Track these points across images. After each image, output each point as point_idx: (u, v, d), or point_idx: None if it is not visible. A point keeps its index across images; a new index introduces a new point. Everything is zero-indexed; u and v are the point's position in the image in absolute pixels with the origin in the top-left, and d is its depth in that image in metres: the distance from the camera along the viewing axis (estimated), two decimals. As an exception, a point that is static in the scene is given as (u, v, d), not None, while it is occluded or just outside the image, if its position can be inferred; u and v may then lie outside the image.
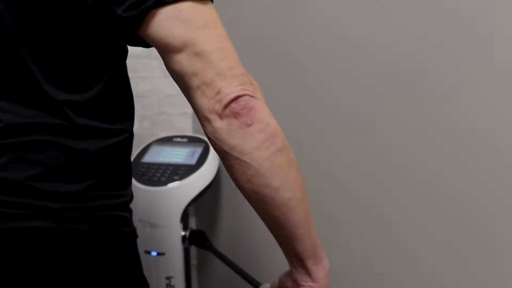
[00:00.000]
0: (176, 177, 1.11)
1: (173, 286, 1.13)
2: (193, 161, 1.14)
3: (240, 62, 0.55)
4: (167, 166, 1.15)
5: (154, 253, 1.11)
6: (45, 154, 0.56)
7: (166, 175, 1.12)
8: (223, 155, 0.55)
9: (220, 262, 1.19)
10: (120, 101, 0.63)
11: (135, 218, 1.11)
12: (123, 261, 0.62)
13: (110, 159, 0.60)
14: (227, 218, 1.31)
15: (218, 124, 0.53)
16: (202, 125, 0.55)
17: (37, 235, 0.55)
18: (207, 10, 0.54)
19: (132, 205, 1.06)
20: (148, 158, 1.20)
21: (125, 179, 0.64)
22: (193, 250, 1.56)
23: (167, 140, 1.25)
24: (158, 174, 1.12)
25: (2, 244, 0.54)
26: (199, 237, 1.12)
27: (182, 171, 1.12)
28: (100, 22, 0.55)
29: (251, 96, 0.53)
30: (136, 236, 0.66)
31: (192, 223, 1.31)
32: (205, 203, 1.45)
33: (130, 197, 0.65)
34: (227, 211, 1.33)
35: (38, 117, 0.55)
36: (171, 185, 1.10)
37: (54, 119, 0.56)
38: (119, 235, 0.61)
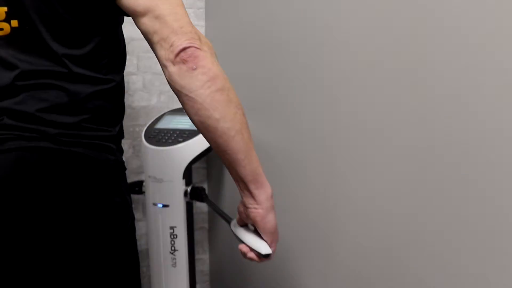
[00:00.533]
0: (180, 139, 1.29)
1: (176, 235, 1.32)
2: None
3: (191, 22, 0.72)
4: (174, 131, 1.33)
5: (160, 205, 1.30)
6: (50, 93, 0.75)
7: (172, 138, 1.30)
8: (177, 93, 0.72)
9: (226, 227, 1.36)
10: (110, 58, 0.82)
11: (146, 174, 1.30)
12: (106, 181, 0.80)
13: (99, 101, 0.79)
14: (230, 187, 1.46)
15: (172, 69, 0.70)
16: (163, 71, 0.73)
17: (42, 152, 0.74)
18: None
19: (142, 163, 1.27)
20: (160, 125, 1.39)
21: (113, 119, 0.83)
22: (205, 215, 1.75)
23: (178, 111, 1.43)
24: (166, 137, 1.31)
25: (17, 157, 0.74)
26: (199, 192, 1.30)
27: (186, 135, 1.30)
28: None
29: (196, 48, 0.69)
30: (122, 165, 0.85)
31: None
32: (213, 174, 1.64)
33: (117, 134, 0.84)
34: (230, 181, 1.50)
35: (45, 66, 0.75)
36: (175, 145, 1.28)
37: (57, 67, 0.75)
38: (104, 161, 0.79)
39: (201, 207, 1.71)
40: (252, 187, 0.76)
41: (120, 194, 0.83)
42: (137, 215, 1.45)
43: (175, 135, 1.32)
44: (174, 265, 1.34)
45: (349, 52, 0.81)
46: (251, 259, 0.81)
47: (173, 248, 1.32)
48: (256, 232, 0.82)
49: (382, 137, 0.74)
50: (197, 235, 1.70)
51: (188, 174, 1.31)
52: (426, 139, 0.64)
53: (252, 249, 0.81)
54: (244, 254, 0.82)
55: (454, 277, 0.60)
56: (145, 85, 1.59)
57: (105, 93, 0.80)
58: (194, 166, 1.37)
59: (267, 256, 0.79)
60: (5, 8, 0.74)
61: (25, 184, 0.73)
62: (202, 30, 1.63)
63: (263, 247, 0.79)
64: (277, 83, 1.09)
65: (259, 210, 0.77)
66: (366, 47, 0.76)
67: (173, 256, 1.33)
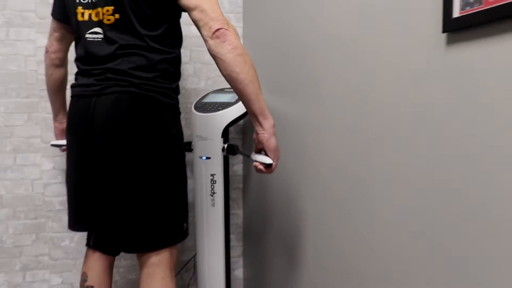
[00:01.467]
0: (220, 108, 1.74)
1: (215, 181, 1.76)
2: (232, 100, 1.76)
3: (222, 14, 1.17)
4: (216, 103, 1.79)
5: (204, 158, 1.75)
6: (136, 58, 1.22)
7: (214, 108, 1.75)
8: (213, 57, 1.16)
9: (259, 185, 1.79)
10: (172, 38, 1.28)
11: (195, 133, 1.76)
12: (167, 116, 1.26)
13: (165, 65, 1.26)
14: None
15: (210, 42, 1.15)
16: (205, 44, 1.17)
17: (130, 94, 1.21)
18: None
19: (191, 125, 1.73)
20: (205, 99, 1.85)
21: (173, 77, 1.29)
22: (240, 177, 2.18)
23: (220, 90, 1.89)
24: (210, 107, 1.77)
25: (116, 97, 1.21)
26: (233, 148, 1.73)
27: (225, 105, 1.75)
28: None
29: (225, 29, 1.14)
30: (177, 108, 1.31)
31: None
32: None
33: (175, 88, 1.30)
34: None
35: (133, 41, 1.22)
36: (216, 112, 1.73)
37: (140, 42, 1.22)
38: (167, 103, 1.26)
39: (237, 170, 2.15)
40: (260, 118, 1.19)
41: (176, 127, 1.29)
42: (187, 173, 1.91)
43: (216, 106, 1.77)
44: (213, 204, 1.78)
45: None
46: (260, 170, 1.24)
47: (212, 191, 1.76)
48: (265, 154, 1.24)
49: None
50: (233, 194, 2.15)
51: (225, 134, 1.75)
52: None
53: (261, 163, 1.23)
54: (255, 167, 1.25)
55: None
56: (195, 72, 2.06)
57: (169, 60, 1.27)
58: (232, 129, 1.81)
59: (270, 165, 1.22)
60: (112, 7, 1.22)
61: (120, 113, 1.21)
62: (240, 30, 2.09)
63: (267, 160, 1.21)
64: (300, 70, 1.52)
65: (265, 134, 1.20)
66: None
67: (212, 198, 1.77)
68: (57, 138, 1.72)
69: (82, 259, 1.90)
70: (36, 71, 1.90)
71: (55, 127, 1.70)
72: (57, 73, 1.56)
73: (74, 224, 1.40)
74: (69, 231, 1.92)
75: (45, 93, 1.81)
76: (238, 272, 2.23)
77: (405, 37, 0.90)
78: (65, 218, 1.96)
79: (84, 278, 1.46)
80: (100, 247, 1.45)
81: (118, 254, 1.49)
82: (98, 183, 1.27)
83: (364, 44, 1.07)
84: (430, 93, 0.83)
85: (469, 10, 0.71)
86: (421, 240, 0.88)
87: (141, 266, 1.36)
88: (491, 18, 0.67)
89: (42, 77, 1.88)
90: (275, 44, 1.70)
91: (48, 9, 1.67)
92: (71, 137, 1.31)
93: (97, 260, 1.46)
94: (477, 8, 0.69)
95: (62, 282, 2.04)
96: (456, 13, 0.73)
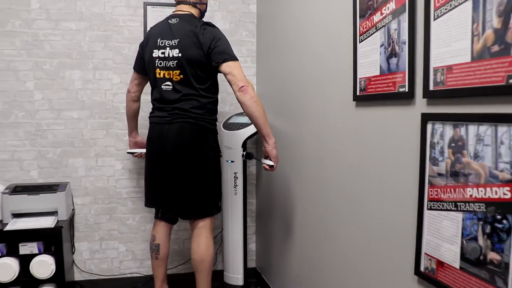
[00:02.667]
0: (240, 128, 2.58)
1: (237, 177, 2.60)
2: (249, 122, 2.60)
3: (244, 76, 2.01)
4: (237, 123, 2.63)
5: (229, 161, 2.59)
6: (192, 102, 2.08)
7: (236, 127, 2.60)
8: (240, 103, 2.02)
9: (267, 181, 2.64)
10: (214, 88, 2.15)
11: (223, 145, 2.62)
12: (211, 136, 2.12)
13: (210, 105, 2.12)
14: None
15: (238, 94, 2.00)
16: (235, 95, 2.02)
17: (189, 124, 2.07)
18: (236, 63, 2.01)
19: (221, 139, 2.60)
20: (230, 120, 2.70)
21: (214, 113, 2.15)
22: (253, 176, 3.02)
23: (240, 114, 2.74)
24: (233, 126, 2.61)
25: (179, 126, 2.06)
26: (250, 154, 2.57)
27: (243, 126, 2.59)
28: (209, 65, 2.05)
29: (246, 86, 1.99)
30: (216, 132, 2.16)
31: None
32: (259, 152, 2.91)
33: (215, 119, 2.16)
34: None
35: (191, 91, 2.09)
36: (238, 130, 2.57)
37: (195, 92, 2.08)
38: (211, 128, 2.12)
39: (252, 170, 2.99)
40: (266, 138, 2.04)
41: (215, 142, 2.15)
42: (216, 170, 2.74)
43: (238, 125, 2.61)
44: (236, 194, 2.61)
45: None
46: (266, 169, 2.08)
47: (235, 184, 2.60)
48: (269, 159, 2.08)
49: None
50: (249, 187, 2.98)
51: (244, 145, 2.59)
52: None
53: (267, 165, 2.07)
54: (264, 167, 2.08)
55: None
56: (222, 100, 2.90)
57: (212, 102, 2.12)
58: (249, 141, 2.65)
59: (272, 166, 2.06)
60: (179, 71, 2.07)
61: (183, 134, 2.06)
62: (254, 69, 2.94)
63: (270, 163, 2.06)
64: (298, 98, 2.35)
65: (269, 147, 2.04)
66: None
67: (235, 189, 2.61)
68: (131, 148, 2.58)
69: (141, 234, 2.81)
70: (112, 100, 2.77)
71: (130, 140, 2.56)
72: (135, 105, 2.42)
73: (149, 203, 2.26)
74: (133, 213, 2.81)
75: (117, 116, 2.70)
76: (252, 246, 3.07)
77: (337, 99, 1.72)
78: (130, 203, 2.84)
79: (153, 238, 2.32)
80: (164, 218, 2.31)
81: (175, 223, 2.34)
82: (168, 177, 2.12)
83: (320, 90, 1.89)
84: (344, 128, 1.65)
85: (362, 93, 1.53)
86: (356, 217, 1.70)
87: (192, 228, 2.21)
88: (371, 98, 1.49)
89: (117, 104, 2.76)
90: (277, 80, 2.54)
91: (121, 58, 2.57)
92: (150, 148, 2.17)
93: (162, 227, 2.31)
94: (365, 92, 1.51)
95: (126, 250, 2.90)
96: (357, 93, 1.56)
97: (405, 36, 1.27)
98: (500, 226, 0.95)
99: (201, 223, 2.18)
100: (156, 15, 2.77)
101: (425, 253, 1.21)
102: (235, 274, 2.73)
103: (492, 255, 0.97)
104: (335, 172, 1.79)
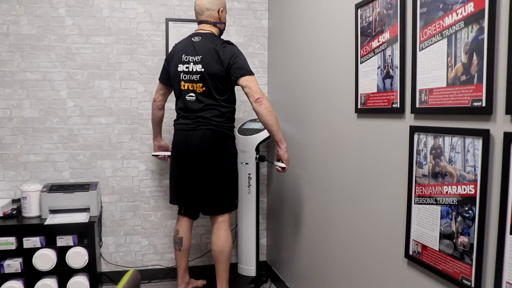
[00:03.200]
0: (254, 133, 2.87)
1: (251, 178, 2.88)
2: (261, 127, 2.89)
3: (260, 88, 2.30)
4: (251, 129, 2.92)
5: (244, 163, 2.87)
6: (213, 111, 2.38)
7: (250, 132, 2.89)
8: (255, 111, 2.31)
9: (277, 182, 2.93)
10: (232, 100, 2.44)
11: (238, 148, 2.92)
12: (229, 141, 2.41)
13: (229, 114, 2.42)
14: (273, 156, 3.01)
15: (254, 105, 2.30)
16: (251, 105, 2.31)
17: (211, 130, 2.36)
18: (252, 77, 2.31)
19: (237, 142, 2.89)
20: (244, 126, 2.99)
21: (232, 121, 2.44)
22: (265, 177, 3.30)
23: (253, 120, 3.02)
24: (247, 132, 2.90)
25: (202, 133, 2.35)
26: (262, 157, 2.85)
27: (257, 131, 2.88)
28: (228, 79, 2.35)
29: (261, 98, 2.28)
30: (234, 136, 2.46)
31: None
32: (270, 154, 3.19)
33: (233, 126, 2.45)
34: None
35: (212, 102, 2.38)
36: (251, 135, 2.86)
37: (216, 102, 2.38)
38: (230, 134, 2.42)
39: (264, 172, 3.28)
40: (279, 143, 2.33)
41: (233, 146, 2.44)
42: (231, 172, 3.03)
43: (251, 131, 2.90)
44: (249, 192, 2.90)
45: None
46: (279, 171, 2.37)
47: (249, 184, 2.89)
48: (281, 161, 2.37)
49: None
50: (261, 187, 3.26)
51: (257, 148, 2.88)
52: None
53: (279, 167, 2.36)
54: (276, 169, 2.37)
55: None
56: (237, 107, 3.18)
57: (230, 111, 2.41)
58: (261, 145, 2.94)
59: (284, 168, 2.34)
60: (201, 84, 2.36)
61: (206, 139, 2.36)
62: (266, 79, 3.22)
63: (282, 165, 2.35)
64: (306, 107, 2.63)
65: (281, 151, 2.34)
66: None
67: (248, 189, 2.90)
68: (155, 151, 2.87)
69: (162, 229, 3.10)
70: (137, 107, 3.06)
71: (154, 144, 2.85)
72: (160, 113, 2.72)
73: (174, 200, 2.55)
74: (155, 210, 3.09)
75: (141, 122, 3.00)
76: (263, 241, 3.36)
77: (341, 110, 2.00)
78: (152, 201, 3.13)
79: (177, 232, 2.61)
80: (187, 214, 2.60)
81: (196, 218, 2.63)
82: (191, 177, 2.41)
83: (326, 101, 2.17)
84: (347, 136, 1.93)
85: (362, 106, 1.81)
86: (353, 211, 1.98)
87: (212, 223, 2.50)
88: (370, 111, 1.77)
89: (141, 111, 3.05)
90: (287, 89, 2.82)
91: (145, 69, 2.87)
92: (176, 151, 2.46)
93: (185, 222, 2.60)
94: (365, 106, 1.79)
95: (148, 244, 3.19)
96: (358, 106, 1.84)
97: (397, 62, 1.56)
98: (467, 215, 1.23)
99: (221, 218, 2.47)
100: (177, 30, 3.07)
101: (413, 240, 1.49)
102: (248, 266, 3.01)
103: (462, 238, 1.25)
104: (339, 173, 2.07)
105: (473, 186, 1.21)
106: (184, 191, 2.47)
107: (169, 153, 2.78)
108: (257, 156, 2.88)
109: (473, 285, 1.21)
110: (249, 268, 3.02)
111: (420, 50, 1.43)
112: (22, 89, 2.92)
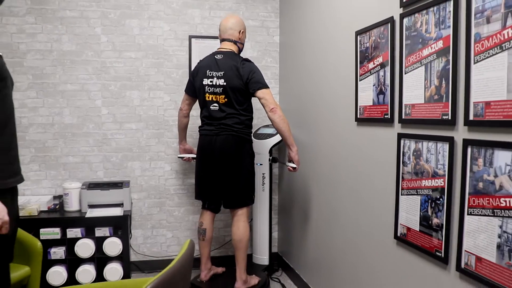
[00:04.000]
0: (267, 137, 3.27)
1: (265, 177, 3.28)
2: (274, 132, 3.29)
3: (274, 99, 2.71)
4: (264, 133, 3.32)
5: (259, 164, 3.27)
6: (234, 119, 2.79)
7: (264, 137, 3.29)
8: (270, 119, 2.72)
9: (288, 181, 3.33)
10: (250, 109, 2.85)
11: (255, 151, 3.32)
12: (248, 145, 2.82)
13: (247, 121, 2.83)
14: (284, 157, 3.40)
15: (269, 113, 2.71)
16: (267, 114, 2.71)
17: (232, 136, 2.77)
18: (268, 90, 2.73)
19: (254, 145, 3.27)
20: (259, 131, 3.40)
21: (250, 127, 2.85)
22: (277, 176, 3.71)
23: (266, 126, 3.43)
24: (262, 136, 3.30)
25: (225, 138, 2.76)
26: (275, 158, 3.25)
27: (270, 136, 3.28)
28: (247, 92, 2.75)
29: (276, 108, 2.69)
30: (251, 140, 2.86)
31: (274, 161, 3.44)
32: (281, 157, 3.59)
33: (250, 131, 2.85)
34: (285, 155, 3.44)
35: (233, 111, 2.79)
36: (265, 140, 3.26)
37: (236, 112, 2.79)
38: (248, 139, 2.83)
39: (276, 172, 3.67)
40: (290, 146, 2.74)
41: (251, 149, 2.85)
42: (247, 172, 3.44)
43: (265, 135, 3.30)
44: (263, 190, 3.30)
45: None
46: (290, 170, 2.77)
47: (263, 183, 3.28)
48: (292, 162, 2.77)
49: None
50: (273, 185, 3.66)
51: (270, 151, 3.28)
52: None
53: (291, 167, 2.76)
54: (288, 169, 2.78)
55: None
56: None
57: (249, 119, 2.82)
58: (274, 148, 3.34)
59: (294, 168, 2.75)
60: (224, 95, 2.77)
61: (228, 143, 2.77)
62: (277, 89, 3.62)
63: (293, 165, 2.75)
64: (314, 115, 3.03)
65: (293, 153, 2.75)
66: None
67: (262, 187, 3.29)
68: (181, 153, 3.27)
69: (185, 223, 3.51)
70: (163, 115, 3.48)
71: (180, 147, 3.26)
72: (185, 120, 3.12)
73: (199, 196, 2.96)
74: (178, 206, 3.50)
75: (167, 127, 3.41)
76: (275, 234, 3.76)
77: (344, 119, 2.39)
78: (176, 198, 3.53)
79: (201, 224, 3.01)
80: (210, 208, 3.00)
81: (218, 212, 3.03)
82: (214, 176, 2.81)
83: (331, 110, 2.56)
84: (349, 141, 2.32)
85: (361, 116, 2.21)
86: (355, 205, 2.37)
87: (233, 216, 2.90)
88: (367, 120, 2.16)
89: (167, 118, 3.46)
90: (296, 99, 3.22)
91: (170, 80, 3.29)
92: (201, 153, 2.86)
93: (208, 215, 3.00)
94: (363, 116, 2.19)
95: (172, 236, 3.59)
96: (357, 116, 2.24)
97: (388, 81, 1.95)
98: (438, 202, 1.62)
99: (240, 211, 2.86)
100: (198, 46, 3.48)
101: (400, 224, 1.88)
102: (262, 255, 3.41)
103: (435, 220, 1.64)
104: (341, 173, 2.46)
105: (442, 179, 1.60)
106: (208, 188, 2.87)
107: (193, 155, 3.18)
108: (270, 158, 3.28)
109: (442, 255, 1.60)
110: (262, 258, 3.41)
111: (405, 74, 1.82)
112: (63, 98, 3.34)
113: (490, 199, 1.37)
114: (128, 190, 3.21)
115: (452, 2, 1.53)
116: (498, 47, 1.33)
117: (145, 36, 3.44)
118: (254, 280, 3.02)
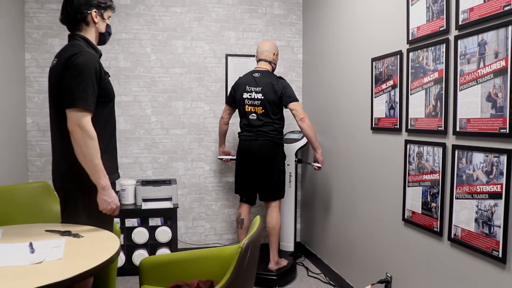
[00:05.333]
0: (293, 141, 3.89)
1: (291, 176, 3.90)
2: (299, 137, 3.91)
3: (303, 111, 3.34)
4: (291, 138, 3.95)
5: (286, 164, 3.89)
6: (270, 126, 3.42)
7: (290, 141, 3.91)
8: (300, 127, 3.34)
9: (310, 179, 3.96)
10: (282, 118, 3.48)
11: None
12: (280, 148, 3.46)
13: (280, 129, 3.46)
14: (311, 158, 4.02)
15: (299, 122, 3.35)
16: (297, 123, 3.34)
17: (268, 140, 3.40)
18: (298, 103, 3.36)
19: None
20: (286, 136, 4.02)
21: (282, 134, 3.49)
22: (300, 176, 4.33)
23: (292, 131, 4.06)
24: (288, 141, 3.92)
25: (261, 142, 3.38)
26: (300, 159, 3.87)
27: (295, 140, 3.90)
28: (280, 104, 3.38)
29: (304, 117, 3.32)
30: (283, 145, 3.49)
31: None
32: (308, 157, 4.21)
33: (283, 137, 3.48)
34: (311, 157, 4.05)
35: (269, 121, 3.42)
36: (292, 144, 3.88)
37: (271, 121, 3.43)
38: (280, 143, 3.46)
39: (299, 171, 4.29)
40: (316, 149, 3.38)
41: (283, 152, 3.49)
42: (275, 171, 4.05)
43: (292, 140, 3.92)
44: (290, 187, 3.91)
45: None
46: (315, 169, 3.39)
47: (289, 180, 3.90)
48: (317, 162, 3.39)
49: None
50: (297, 183, 4.28)
51: (296, 153, 3.89)
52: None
53: (317, 166, 3.38)
54: (314, 168, 3.40)
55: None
56: (278, 121, 4.21)
57: (281, 127, 3.47)
58: (299, 151, 3.96)
59: (319, 167, 3.37)
60: (261, 107, 3.40)
61: (264, 147, 3.40)
62: (300, 100, 4.25)
63: (318, 165, 3.37)
64: (335, 123, 3.65)
65: (318, 155, 3.39)
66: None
67: (289, 184, 3.91)
68: (220, 155, 3.89)
69: (221, 216, 4.16)
70: (203, 122, 4.11)
71: (219, 150, 3.88)
72: (225, 127, 3.75)
73: (239, 190, 3.58)
74: (216, 201, 4.13)
75: (206, 133, 4.06)
76: (298, 226, 4.37)
77: (361, 127, 3.00)
78: (215, 194, 4.16)
79: (239, 214, 3.63)
80: (247, 201, 3.62)
81: (254, 205, 3.65)
82: (252, 174, 3.43)
83: (350, 120, 3.17)
84: (365, 145, 2.92)
85: (376, 126, 2.82)
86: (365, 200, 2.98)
87: (267, 207, 3.52)
88: (380, 129, 2.77)
89: (206, 125, 4.10)
90: (319, 108, 3.83)
91: (210, 93, 3.93)
92: (241, 155, 3.48)
93: (245, 207, 3.62)
94: (377, 126, 2.80)
95: (210, 227, 4.22)
96: (373, 125, 2.85)
97: (397, 99, 2.56)
98: (435, 191, 2.23)
99: (273, 203, 3.48)
100: (234, 62, 4.11)
101: (407, 209, 2.49)
102: (288, 243, 4.03)
103: (433, 204, 2.25)
104: (359, 171, 3.08)
105: (437, 174, 2.21)
106: (247, 184, 3.49)
107: (230, 157, 3.80)
108: (296, 159, 3.90)
109: (438, 229, 2.21)
110: (288, 245, 4.03)
111: (410, 94, 2.44)
112: (118, 108, 3.97)
113: (470, 186, 1.98)
114: (176, 186, 3.83)
115: (444, 45, 2.15)
116: (475, 81, 1.94)
117: (188, 54, 4.07)
118: (284, 262, 3.64)
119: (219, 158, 3.89)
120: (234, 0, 4.15)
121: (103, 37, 2.24)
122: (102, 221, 2.18)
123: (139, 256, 3.69)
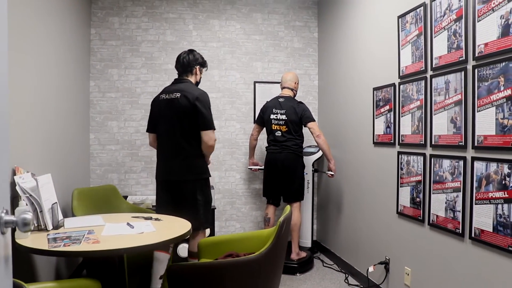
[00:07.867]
0: (310, 154, 4.69)
1: (309, 183, 4.69)
2: (315, 151, 4.71)
3: (319, 129, 4.16)
4: (308, 152, 4.74)
5: (305, 173, 4.68)
6: (292, 141, 4.22)
7: (308, 154, 4.71)
8: (317, 143, 4.15)
9: (324, 186, 4.75)
10: (302, 135, 4.30)
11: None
12: (301, 160, 4.26)
13: (300, 143, 4.27)
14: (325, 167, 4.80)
15: (315, 138, 4.17)
16: (314, 139, 4.15)
17: (291, 153, 4.20)
18: (315, 122, 4.19)
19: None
20: (304, 150, 4.81)
21: (302, 148, 4.30)
22: (315, 183, 5.12)
23: (309, 146, 4.86)
24: (306, 154, 4.72)
25: (286, 154, 4.19)
26: (317, 169, 4.66)
27: (312, 153, 4.70)
28: (300, 124, 4.20)
29: (320, 134, 4.14)
30: (303, 157, 4.30)
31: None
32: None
33: (302, 150, 4.29)
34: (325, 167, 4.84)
35: (291, 137, 4.23)
36: (309, 156, 4.68)
37: (294, 137, 4.24)
38: (300, 155, 4.27)
39: (316, 179, 5.08)
40: (330, 160, 4.19)
41: (303, 162, 4.29)
42: (295, 179, 4.84)
43: (309, 153, 4.72)
44: (308, 192, 4.70)
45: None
46: (329, 177, 4.19)
47: (308, 186, 4.69)
48: (331, 171, 4.19)
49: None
50: (314, 190, 5.06)
51: (313, 164, 4.69)
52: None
53: (330, 174, 4.18)
54: (328, 176, 4.20)
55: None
56: (297, 137, 5.02)
57: (302, 142, 4.28)
58: (315, 162, 4.76)
59: (332, 175, 4.17)
60: (285, 126, 4.22)
61: (287, 160, 4.21)
62: (317, 119, 5.06)
63: (332, 173, 4.17)
64: (344, 138, 4.46)
65: (331, 165, 4.19)
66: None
67: (307, 190, 4.70)
68: (250, 166, 4.70)
69: (250, 217, 4.98)
70: (235, 138, 4.94)
71: (249, 161, 4.70)
72: (254, 142, 4.58)
73: (266, 194, 4.39)
74: (245, 204, 4.95)
75: (237, 147, 4.89)
76: (315, 227, 5.14)
77: (365, 142, 3.78)
78: (244, 199, 4.99)
79: (266, 214, 4.43)
80: (273, 203, 4.42)
81: (278, 206, 4.44)
82: (278, 181, 4.23)
83: (356, 135, 3.96)
84: (368, 156, 3.70)
85: (377, 140, 3.61)
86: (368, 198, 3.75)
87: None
88: (380, 144, 3.56)
89: (237, 141, 4.93)
90: (332, 126, 4.63)
91: (240, 114, 4.77)
92: (268, 166, 4.29)
93: (272, 208, 4.42)
94: (378, 140, 3.59)
95: (240, 227, 5.01)
96: (374, 140, 3.64)
97: (392, 120, 3.36)
98: (419, 189, 3.01)
99: (295, 204, 4.27)
100: (261, 88, 4.95)
101: (400, 204, 3.26)
102: (306, 240, 4.80)
103: (417, 199, 3.03)
104: (364, 177, 3.86)
105: (420, 176, 2.99)
106: (273, 188, 4.29)
107: (258, 167, 4.61)
108: (313, 169, 4.69)
109: (421, 218, 2.98)
110: (306, 241, 4.80)
111: (401, 117, 3.23)
112: (165, 74, 4.83)
113: (441, 184, 2.76)
114: (213, 191, 4.64)
115: (423, 81, 2.95)
116: (443, 108, 2.74)
117: (222, 81, 4.92)
118: (303, 254, 4.41)
119: (249, 168, 4.70)
120: (261, 36, 5.01)
121: (197, 84, 3.42)
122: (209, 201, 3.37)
123: (183, 249, 4.48)
